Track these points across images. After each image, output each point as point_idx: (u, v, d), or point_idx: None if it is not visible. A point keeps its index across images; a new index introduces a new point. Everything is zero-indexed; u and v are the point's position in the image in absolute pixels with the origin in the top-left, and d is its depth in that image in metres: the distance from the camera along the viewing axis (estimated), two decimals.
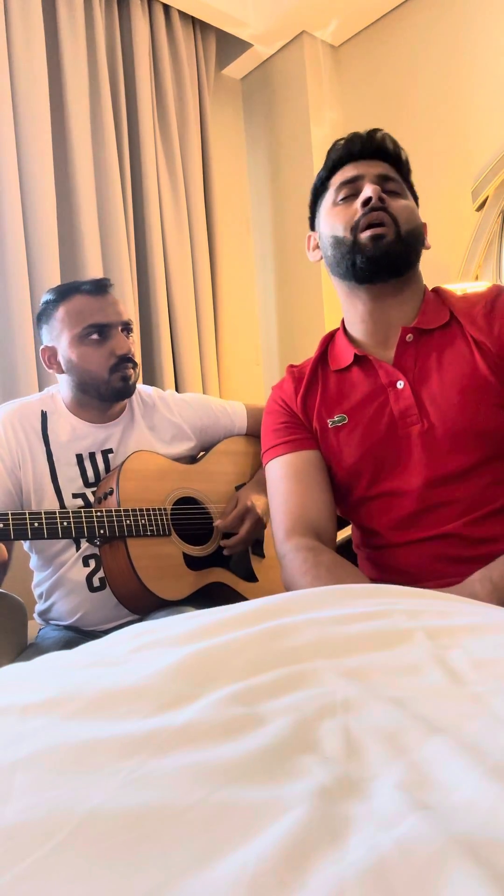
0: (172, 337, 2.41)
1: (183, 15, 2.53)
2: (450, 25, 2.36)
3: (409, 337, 1.07)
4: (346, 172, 1.10)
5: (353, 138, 1.11)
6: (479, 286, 1.13)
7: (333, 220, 1.08)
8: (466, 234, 2.24)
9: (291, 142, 2.70)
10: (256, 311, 2.86)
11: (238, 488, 1.45)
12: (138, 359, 1.41)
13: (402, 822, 0.32)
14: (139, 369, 1.36)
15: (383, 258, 1.03)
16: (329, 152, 1.13)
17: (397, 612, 0.65)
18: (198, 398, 1.52)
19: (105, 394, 1.32)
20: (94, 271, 2.16)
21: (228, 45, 2.74)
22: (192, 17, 2.55)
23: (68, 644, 1.20)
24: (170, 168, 2.45)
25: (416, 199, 1.14)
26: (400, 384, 1.05)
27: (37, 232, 2.06)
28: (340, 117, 2.73)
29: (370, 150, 1.10)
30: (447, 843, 0.30)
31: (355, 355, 1.10)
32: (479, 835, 0.31)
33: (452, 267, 2.27)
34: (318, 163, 2.61)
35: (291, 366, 1.22)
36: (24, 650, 1.27)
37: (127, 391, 1.33)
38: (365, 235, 1.03)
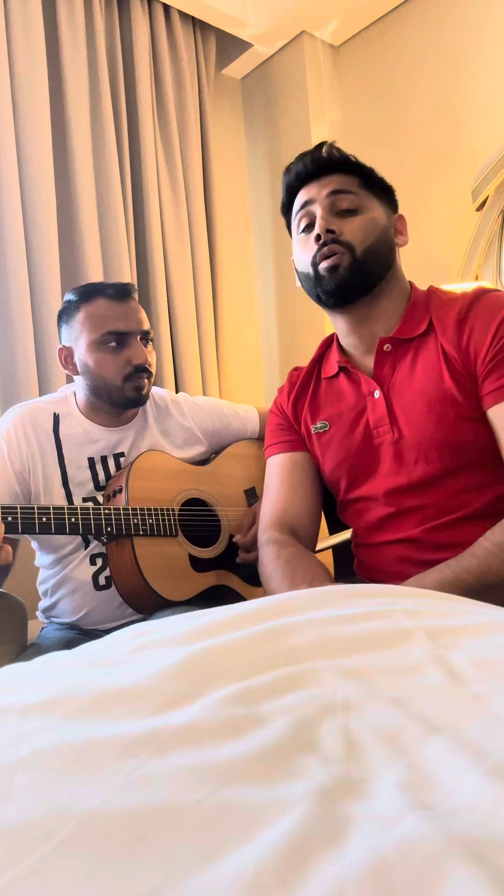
0: (172, 337, 2.41)
1: (183, 15, 2.53)
2: (450, 25, 2.36)
3: (387, 347, 1.08)
4: (301, 197, 1.09)
5: (301, 158, 1.10)
6: (466, 289, 1.12)
7: (298, 255, 1.11)
8: (466, 234, 2.24)
9: (291, 142, 2.70)
10: (256, 311, 2.86)
11: (247, 492, 1.45)
12: (156, 368, 1.40)
13: (402, 822, 0.32)
14: (153, 378, 1.35)
15: (342, 288, 1.05)
16: (283, 177, 1.13)
17: (397, 612, 0.65)
18: (210, 402, 1.52)
19: (117, 401, 1.32)
20: (94, 272, 2.16)
21: (228, 45, 2.74)
22: (192, 17, 2.55)
23: (69, 644, 1.20)
24: (170, 168, 2.45)
25: (388, 191, 1.13)
26: (376, 394, 1.08)
27: (37, 232, 2.06)
28: (340, 117, 2.73)
29: (320, 166, 1.08)
30: (447, 843, 0.30)
31: (339, 365, 1.14)
32: (479, 835, 0.31)
33: (452, 267, 2.27)
34: None
35: (294, 369, 1.26)
36: (24, 650, 1.27)
37: (139, 401, 1.33)
38: (322, 268, 1.04)
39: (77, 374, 1.34)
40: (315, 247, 1.05)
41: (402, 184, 2.62)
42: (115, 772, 0.37)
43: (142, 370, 1.30)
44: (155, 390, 1.48)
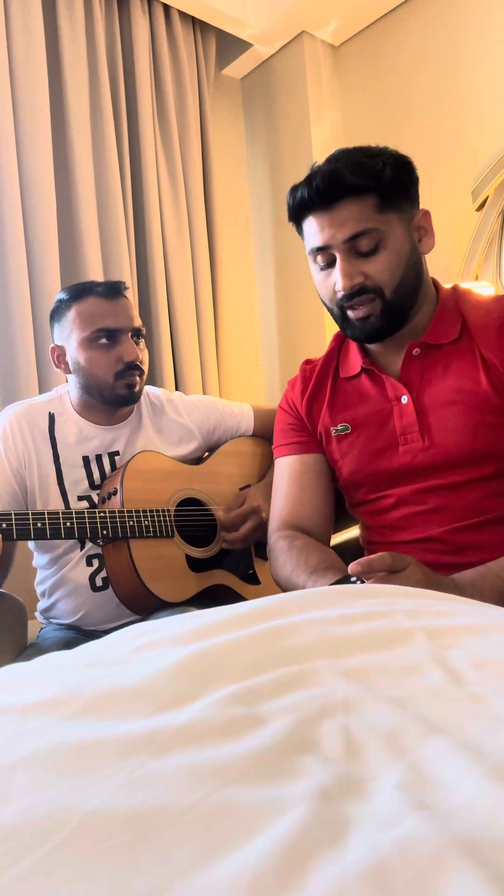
0: (172, 337, 2.41)
1: (183, 15, 2.53)
2: (450, 25, 2.36)
3: (416, 351, 1.04)
4: (315, 234, 0.98)
5: (308, 188, 0.96)
6: (491, 292, 1.10)
7: (319, 288, 1.04)
8: (466, 234, 2.24)
9: (291, 142, 2.70)
10: (256, 311, 2.86)
11: (243, 489, 1.45)
12: (148, 365, 1.40)
13: (402, 822, 0.32)
14: (146, 376, 1.35)
15: (376, 335, 1.01)
16: (289, 196, 1.01)
17: (397, 612, 0.65)
18: (205, 400, 1.53)
19: (109, 398, 1.32)
20: (94, 271, 2.16)
21: (228, 45, 2.74)
22: (192, 17, 2.55)
23: (69, 644, 1.21)
24: (170, 168, 2.45)
25: (406, 188, 1.00)
26: (404, 399, 1.03)
27: (37, 232, 2.06)
28: (340, 117, 2.73)
29: (330, 195, 0.96)
30: (447, 843, 0.30)
31: (363, 367, 1.09)
32: (479, 835, 0.31)
33: (452, 267, 2.27)
34: None
35: (306, 362, 1.21)
36: (24, 650, 1.27)
37: (131, 398, 1.33)
38: (352, 316, 0.99)
39: (69, 372, 1.34)
40: (339, 292, 0.98)
41: None
42: (114, 772, 0.37)
43: (133, 367, 1.30)
44: (150, 389, 1.48)
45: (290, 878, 0.29)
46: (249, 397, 2.67)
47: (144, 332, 1.35)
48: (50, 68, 2.17)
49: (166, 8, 2.48)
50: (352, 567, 0.84)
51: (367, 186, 0.95)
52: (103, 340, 1.28)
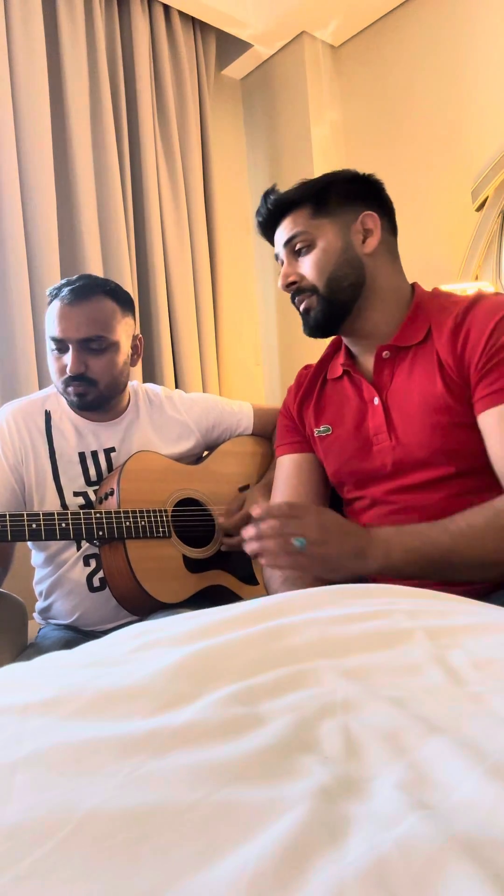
0: (172, 337, 2.41)
1: (183, 15, 2.53)
2: (450, 25, 2.36)
3: (386, 354, 1.08)
4: (275, 249, 1.14)
5: (259, 216, 1.14)
6: (468, 292, 1.12)
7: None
8: (466, 234, 2.24)
9: (291, 142, 2.70)
10: (256, 311, 2.86)
11: (241, 489, 1.44)
12: (111, 369, 1.31)
13: (402, 822, 0.32)
14: (105, 383, 1.28)
15: (319, 327, 1.09)
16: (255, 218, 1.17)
17: (397, 612, 0.65)
18: (204, 397, 1.52)
19: (68, 401, 1.34)
20: (94, 271, 2.16)
21: (228, 46, 2.74)
22: (192, 18, 2.55)
23: (68, 644, 1.20)
24: (170, 168, 2.45)
25: (353, 191, 1.09)
26: (375, 401, 1.08)
27: (37, 232, 2.06)
28: (340, 117, 2.73)
29: (271, 218, 1.12)
30: (447, 843, 0.30)
31: (343, 369, 1.14)
32: (479, 835, 0.31)
33: (452, 267, 2.27)
34: (318, 163, 2.61)
35: (305, 367, 1.26)
36: (24, 650, 1.27)
37: (81, 405, 1.31)
38: (301, 311, 1.10)
39: None
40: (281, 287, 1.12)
41: (402, 184, 2.62)
42: (114, 772, 0.37)
43: (73, 379, 1.26)
44: (149, 387, 1.48)
45: (290, 878, 0.29)
46: (249, 397, 2.67)
47: (104, 340, 1.26)
48: (50, 68, 2.17)
49: (166, 8, 2.48)
50: (254, 510, 0.92)
51: (300, 198, 1.09)
52: (53, 348, 1.28)
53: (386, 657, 0.55)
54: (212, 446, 1.48)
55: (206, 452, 1.49)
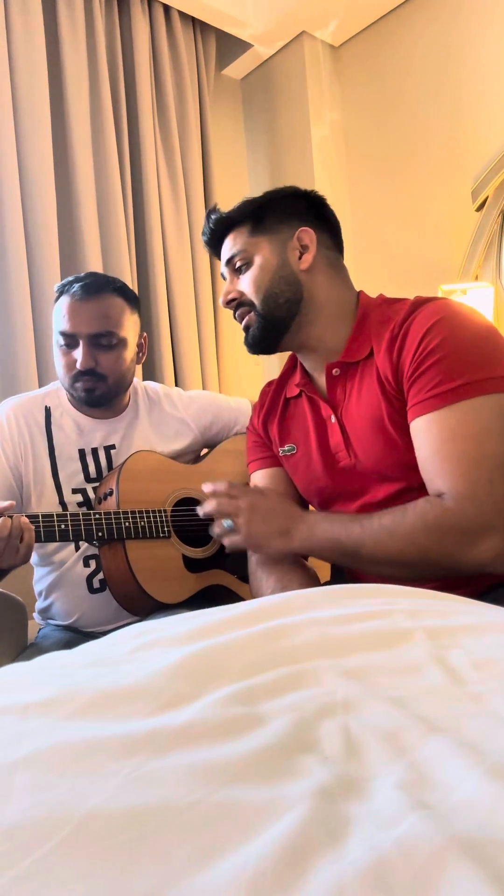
0: (172, 337, 2.41)
1: (183, 15, 2.53)
2: (450, 25, 2.36)
3: (336, 371, 1.07)
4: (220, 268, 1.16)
5: (204, 237, 1.16)
6: (405, 302, 1.05)
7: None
8: (466, 234, 2.24)
9: (291, 142, 2.70)
10: None
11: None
12: (119, 367, 1.32)
13: (402, 821, 0.32)
14: (113, 379, 1.29)
15: (259, 342, 1.09)
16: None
17: (397, 612, 0.65)
18: (202, 394, 1.53)
19: (75, 399, 1.34)
20: (93, 270, 2.16)
21: (228, 46, 2.74)
22: (192, 18, 2.55)
23: (68, 644, 1.20)
24: (170, 168, 2.45)
25: (289, 208, 1.10)
26: (332, 419, 1.07)
27: (37, 232, 2.06)
28: (340, 117, 2.73)
29: (214, 238, 1.14)
30: (447, 843, 0.30)
31: (299, 388, 1.14)
32: (479, 835, 0.31)
33: (452, 267, 2.27)
34: (318, 163, 2.61)
35: (268, 384, 1.26)
36: (24, 650, 1.27)
37: (90, 401, 1.31)
38: (242, 328, 1.11)
39: None
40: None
41: (402, 184, 2.63)
42: (114, 772, 0.37)
43: (82, 374, 1.27)
44: (148, 384, 1.48)
45: (290, 878, 0.29)
46: (249, 396, 2.68)
47: (113, 336, 1.27)
48: (50, 68, 2.17)
49: (166, 8, 2.48)
50: (205, 486, 1.07)
51: (239, 217, 1.11)
52: (62, 343, 1.28)
53: (386, 657, 0.55)
54: (210, 443, 1.48)
55: (204, 451, 1.49)
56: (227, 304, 1.11)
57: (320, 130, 2.66)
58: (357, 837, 0.32)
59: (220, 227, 1.13)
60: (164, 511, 1.27)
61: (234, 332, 2.67)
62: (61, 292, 1.30)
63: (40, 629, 1.40)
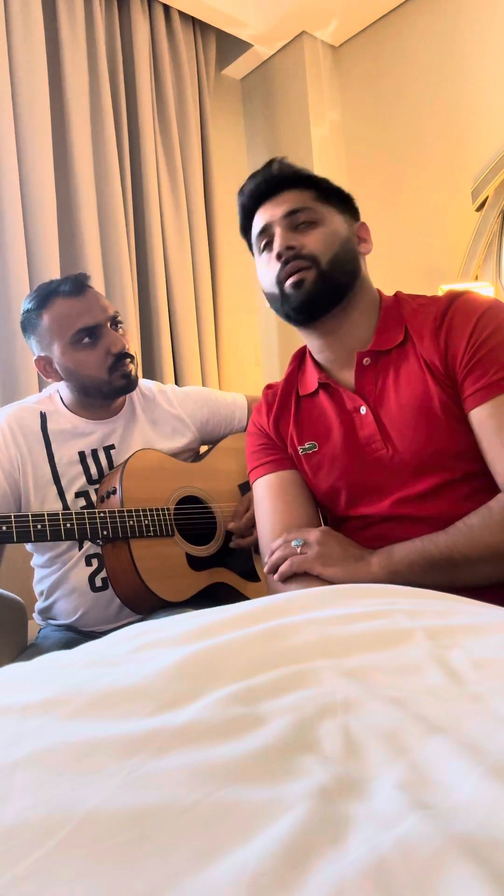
0: (172, 337, 2.41)
1: (183, 15, 2.53)
2: (450, 25, 2.36)
3: (366, 360, 1.05)
4: (258, 221, 1.09)
5: (253, 178, 1.10)
6: (438, 294, 1.08)
7: (262, 275, 1.10)
8: (466, 234, 2.24)
9: (291, 142, 2.70)
10: (256, 311, 2.86)
11: (241, 486, 1.45)
12: (136, 347, 1.39)
13: (402, 821, 0.32)
14: (138, 360, 1.36)
15: (310, 302, 1.03)
16: (238, 197, 1.12)
17: (397, 612, 0.65)
18: (198, 391, 1.53)
19: (108, 393, 1.32)
20: (94, 271, 2.16)
21: (228, 46, 2.74)
22: (192, 18, 2.55)
23: (68, 645, 1.20)
24: (170, 168, 2.45)
25: (346, 200, 1.11)
26: (363, 410, 1.04)
27: (37, 232, 2.06)
28: (340, 117, 2.73)
29: (272, 184, 1.08)
30: (447, 842, 0.30)
31: (319, 382, 1.10)
32: (479, 835, 0.31)
33: (452, 267, 2.27)
34: (318, 163, 2.61)
35: (268, 386, 1.22)
36: (24, 650, 1.27)
37: (129, 386, 1.33)
38: (287, 285, 1.03)
39: (61, 379, 1.33)
40: (278, 265, 1.04)
41: (401, 184, 2.63)
42: (114, 772, 0.37)
43: (123, 356, 1.30)
44: (142, 382, 1.47)
45: (291, 878, 0.29)
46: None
47: (120, 317, 1.34)
48: (50, 68, 2.17)
49: (166, 8, 2.48)
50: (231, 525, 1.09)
51: (307, 181, 1.07)
52: (86, 340, 1.27)
53: (386, 657, 0.55)
54: (208, 440, 1.48)
55: (204, 448, 1.49)
56: (287, 250, 1.03)
57: (320, 130, 2.66)
58: (357, 837, 0.32)
59: (283, 180, 1.08)
60: (168, 509, 1.27)
61: (234, 331, 2.67)
62: (46, 299, 1.28)
63: (40, 629, 1.40)
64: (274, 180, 1.08)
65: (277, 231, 1.05)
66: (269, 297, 1.10)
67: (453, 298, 1.02)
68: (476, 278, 2.20)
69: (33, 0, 2.09)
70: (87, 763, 0.38)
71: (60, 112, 2.19)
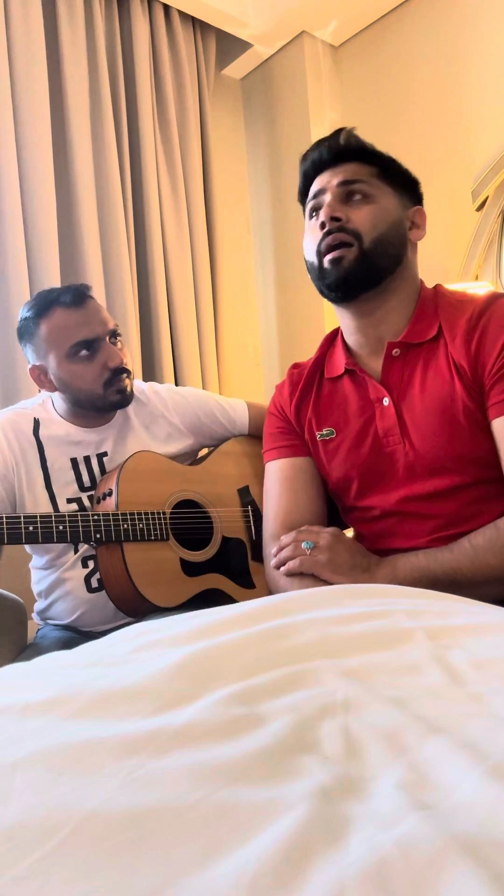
0: (172, 337, 2.41)
1: (183, 15, 2.53)
2: (450, 25, 2.36)
3: (396, 351, 1.03)
4: (314, 186, 1.06)
5: (318, 146, 1.07)
6: (478, 293, 1.06)
7: (306, 242, 1.06)
8: (466, 234, 2.24)
9: (291, 142, 2.70)
10: (256, 311, 2.86)
11: (240, 490, 1.43)
12: (136, 360, 1.37)
13: (402, 822, 0.32)
14: (133, 375, 1.33)
15: (347, 281, 0.99)
16: (300, 164, 1.10)
17: (397, 612, 0.65)
18: (195, 393, 1.50)
19: (102, 408, 1.31)
20: (94, 272, 2.16)
21: (228, 45, 2.74)
22: (192, 17, 2.55)
23: (67, 644, 1.20)
24: (170, 168, 2.45)
25: (409, 183, 1.08)
26: (385, 401, 1.02)
27: (37, 233, 2.06)
28: (340, 117, 2.73)
29: (336, 154, 1.04)
30: (447, 843, 0.30)
31: (346, 367, 1.08)
32: (479, 835, 0.31)
33: (452, 267, 2.27)
34: None
35: (294, 366, 1.20)
36: (23, 650, 1.26)
37: (124, 402, 1.31)
38: (326, 260, 1.00)
39: (55, 390, 1.31)
40: (321, 234, 1.01)
41: None
42: (114, 772, 0.37)
43: (120, 371, 1.27)
44: (136, 384, 1.44)
45: (290, 878, 0.29)
46: (249, 397, 2.67)
47: (120, 331, 1.32)
48: (50, 68, 2.17)
49: (166, 8, 2.48)
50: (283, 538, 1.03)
51: (371, 155, 1.04)
52: (83, 353, 1.25)
53: (386, 657, 0.55)
54: (206, 443, 1.47)
55: (204, 451, 1.48)
56: (331, 220, 0.99)
57: (320, 130, 2.66)
58: (357, 837, 0.32)
59: (346, 151, 1.04)
60: (163, 513, 1.26)
61: (234, 331, 2.67)
62: (46, 308, 1.27)
63: (39, 629, 1.39)
64: (337, 149, 1.05)
65: (327, 199, 1.02)
66: (309, 266, 1.06)
67: (491, 301, 0.99)
68: (476, 278, 2.20)
69: (33, 0, 2.09)
70: (87, 763, 0.38)
71: (60, 112, 2.19)
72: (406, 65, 2.50)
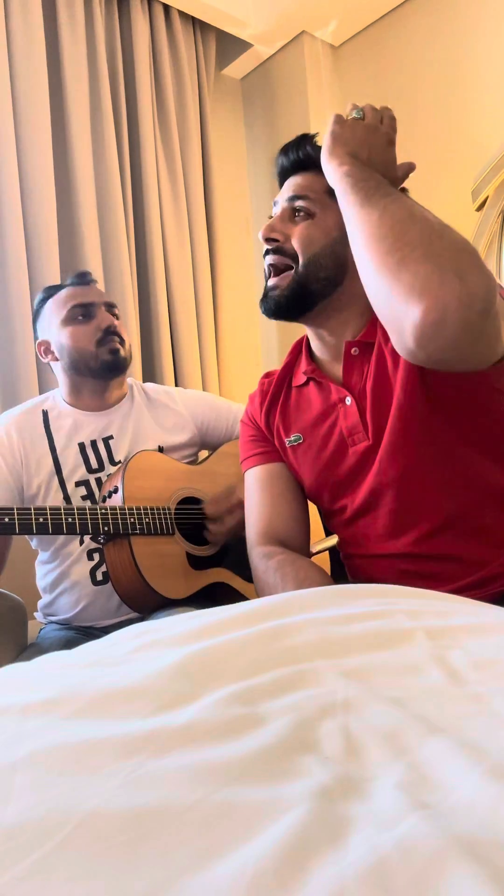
0: (172, 337, 2.41)
1: (183, 15, 2.53)
2: (450, 25, 2.36)
3: (355, 350, 1.02)
4: (278, 194, 1.06)
5: (282, 152, 1.08)
6: None
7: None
8: (466, 234, 2.24)
9: None
10: (256, 311, 2.86)
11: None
12: (134, 342, 1.48)
13: (402, 822, 0.32)
14: (129, 347, 1.43)
15: (280, 309, 1.00)
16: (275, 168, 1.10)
17: (397, 612, 0.65)
18: (203, 395, 1.58)
19: (96, 368, 1.38)
20: (94, 271, 2.15)
21: (228, 45, 2.74)
22: (192, 17, 2.55)
23: (69, 644, 1.21)
24: (170, 168, 2.45)
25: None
26: (348, 401, 1.02)
27: (37, 232, 2.06)
28: None
29: (293, 163, 1.05)
30: (447, 843, 0.30)
31: (307, 375, 1.08)
32: (479, 835, 0.31)
33: None
34: None
35: (266, 375, 1.20)
36: (24, 650, 1.27)
37: (116, 363, 1.39)
38: (267, 285, 1.01)
39: (56, 360, 1.41)
40: (261, 237, 1.01)
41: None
42: (114, 772, 0.37)
43: (111, 332, 1.39)
44: (147, 385, 1.53)
45: (290, 878, 0.29)
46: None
47: (117, 310, 1.45)
48: (50, 68, 2.17)
49: (166, 8, 2.48)
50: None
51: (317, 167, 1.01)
52: (80, 316, 1.38)
53: (386, 657, 0.55)
54: (207, 444, 1.50)
55: (205, 453, 1.50)
56: (268, 240, 1.00)
57: (320, 130, 2.66)
58: (357, 838, 0.32)
59: (300, 161, 1.04)
60: (169, 509, 1.29)
61: (234, 331, 2.67)
62: (55, 289, 1.44)
63: (41, 629, 1.40)
64: (293, 159, 1.07)
65: (276, 211, 1.04)
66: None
67: None
68: None
69: (33, 0, 2.09)
70: (87, 763, 0.38)
71: (60, 112, 2.19)
72: (406, 65, 2.49)
